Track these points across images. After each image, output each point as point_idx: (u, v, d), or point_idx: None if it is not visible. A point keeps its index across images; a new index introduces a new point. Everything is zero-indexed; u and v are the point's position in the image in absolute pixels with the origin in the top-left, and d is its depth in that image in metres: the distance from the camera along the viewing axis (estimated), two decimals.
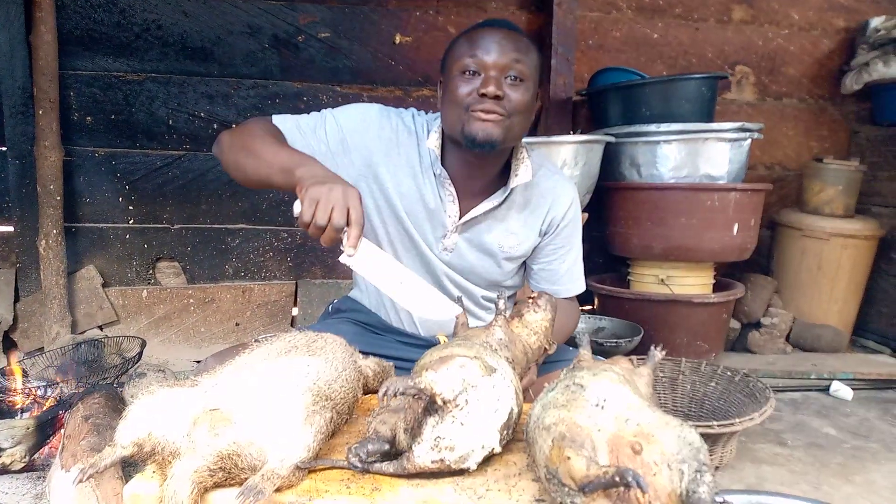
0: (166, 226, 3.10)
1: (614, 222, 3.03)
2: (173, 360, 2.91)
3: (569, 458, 0.80)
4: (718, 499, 0.78)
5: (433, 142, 1.54)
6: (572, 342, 1.78)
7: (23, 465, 1.83)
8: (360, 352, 1.30)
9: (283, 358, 1.10)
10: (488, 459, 1.00)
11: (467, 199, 1.59)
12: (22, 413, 2.01)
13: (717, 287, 3.06)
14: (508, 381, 1.01)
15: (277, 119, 1.57)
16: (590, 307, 3.21)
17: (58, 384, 2.17)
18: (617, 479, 0.74)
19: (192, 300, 3.09)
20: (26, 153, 2.81)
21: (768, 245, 3.58)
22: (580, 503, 0.80)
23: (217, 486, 0.93)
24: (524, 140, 1.61)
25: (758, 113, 3.65)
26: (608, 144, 2.89)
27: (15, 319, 2.86)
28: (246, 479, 0.91)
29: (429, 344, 1.36)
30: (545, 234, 1.69)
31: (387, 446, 0.98)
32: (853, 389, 2.80)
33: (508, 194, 1.59)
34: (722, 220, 2.83)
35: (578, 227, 1.75)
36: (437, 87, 1.59)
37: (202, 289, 3.11)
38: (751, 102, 3.67)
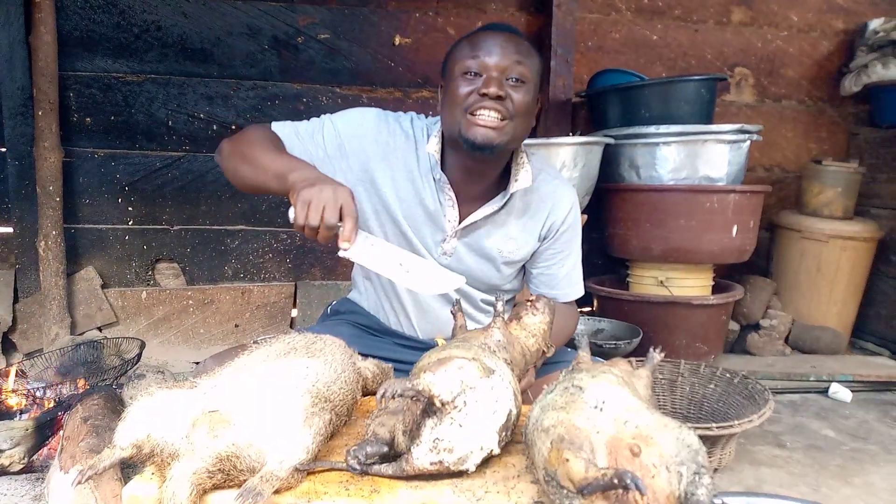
0: (166, 227, 3.10)
1: (613, 224, 3.03)
2: (172, 361, 2.91)
3: (567, 460, 0.80)
4: (717, 501, 0.78)
5: (433, 146, 1.54)
6: (571, 344, 1.79)
7: (21, 466, 1.82)
8: (358, 353, 1.30)
9: (282, 360, 1.10)
10: (487, 461, 1.00)
11: (467, 203, 1.59)
12: (21, 414, 2.01)
13: (716, 289, 3.06)
14: (507, 383, 1.01)
15: (276, 125, 1.58)
16: (589, 309, 3.21)
17: (57, 385, 2.17)
18: (615, 481, 0.74)
19: (191, 301, 3.09)
20: (26, 154, 2.81)
21: (767, 247, 3.58)
22: None
23: (216, 487, 0.93)
24: (525, 143, 1.61)
25: (757, 115, 3.65)
26: (607, 146, 2.90)
27: (14, 320, 2.86)
28: (245, 480, 0.91)
29: (427, 346, 1.36)
30: (544, 238, 1.69)
31: (385, 448, 0.98)
32: (852, 391, 2.80)
33: (508, 199, 1.59)
34: (721, 221, 2.83)
35: (578, 231, 1.74)
36: (436, 88, 1.59)
37: (201, 290, 3.11)
38: (750, 104, 3.67)
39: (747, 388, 2.20)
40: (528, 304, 1.30)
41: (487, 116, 1.42)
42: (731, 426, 1.91)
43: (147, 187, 3.05)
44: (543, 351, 1.30)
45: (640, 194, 2.93)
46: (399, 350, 1.70)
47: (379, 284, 1.72)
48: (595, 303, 3.19)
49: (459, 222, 1.60)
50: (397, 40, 3.22)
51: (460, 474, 0.98)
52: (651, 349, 1.21)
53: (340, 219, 1.23)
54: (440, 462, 0.95)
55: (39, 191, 2.77)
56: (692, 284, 2.97)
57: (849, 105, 3.75)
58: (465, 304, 1.62)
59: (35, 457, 1.88)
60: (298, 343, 1.17)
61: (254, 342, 1.23)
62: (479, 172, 1.56)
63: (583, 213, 2.73)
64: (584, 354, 1.16)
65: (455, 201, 1.58)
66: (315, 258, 3.24)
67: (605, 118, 3.14)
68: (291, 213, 1.26)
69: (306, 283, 3.23)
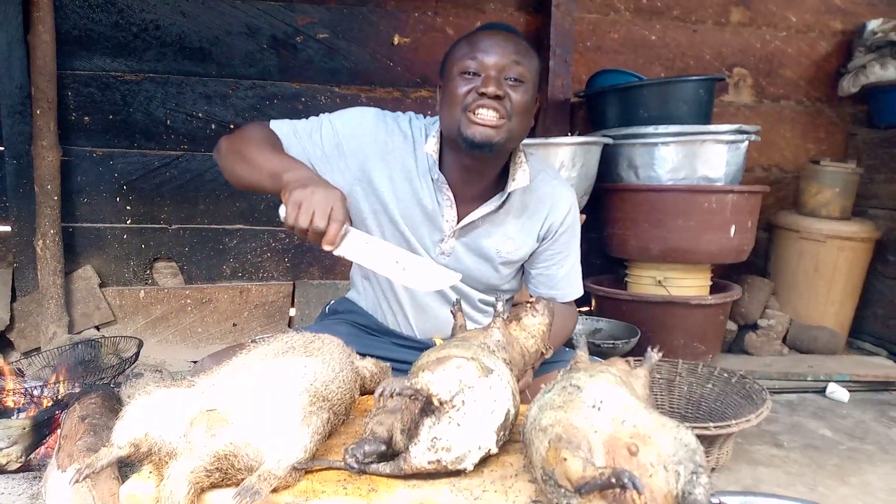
0: (164, 226, 3.09)
1: (612, 224, 3.04)
2: (170, 360, 2.90)
3: (565, 459, 0.80)
4: (714, 500, 0.78)
5: (431, 146, 1.54)
6: (569, 343, 1.79)
7: (19, 465, 1.82)
8: (356, 353, 1.30)
9: (281, 359, 1.10)
10: (485, 460, 1.00)
11: (465, 203, 1.59)
12: (18, 413, 2.01)
13: (714, 289, 3.07)
14: (505, 383, 1.01)
15: (275, 124, 1.58)
16: (587, 308, 3.22)
17: (54, 384, 2.17)
18: (613, 480, 0.74)
19: (189, 300, 3.08)
20: (24, 153, 2.81)
21: (765, 247, 3.59)
22: None
23: (214, 486, 0.93)
24: (523, 143, 1.61)
25: (755, 115, 3.66)
26: (606, 146, 2.90)
27: (12, 319, 2.86)
28: (243, 479, 0.91)
29: (424, 346, 1.36)
30: (543, 239, 1.69)
31: (383, 447, 0.98)
32: (849, 391, 2.81)
33: (506, 199, 1.59)
34: (719, 221, 2.84)
35: (577, 232, 1.74)
36: (435, 88, 1.58)
37: (199, 289, 3.11)
38: (748, 104, 3.68)
39: (745, 388, 2.20)
40: (528, 305, 1.31)
41: (486, 115, 1.42)
42: (729, 426, 1.91)
43: (145, 186, 3.05)
44: (542, 352, 1.30)
45: (638, 194, 2.93)
46: (397, 350, 1.70)
47: (377, 284, 1.72)
48: (593, 302, 3.19)
49: (457, 222, 1.60)
50: (396, 40, 3.22)
51: (458, 473, 0.98)
52: (649, 349, 1.22)
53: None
54: (438, 461, 0.95)
55: (37, 189, 2.76)
56: (690, 284, 2.97)
57: (847, 105, 3.76)
58: (463, 304, 1.62)
59: (32, 455, 1.88)
60: (296, 342, 1.17)
61: (252, 341, 1.23)
62: (478, 172, 1.56)
63: (581, 212, 2.73)
64: (581, 354, 1.16)
65: (453, 201, 1.58)
66: (313, 257, 3.24)
67: (604, 118, 3.15)
68: (282, 212, 1.27)
69: (304, 283, 3.23)
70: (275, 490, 0.91)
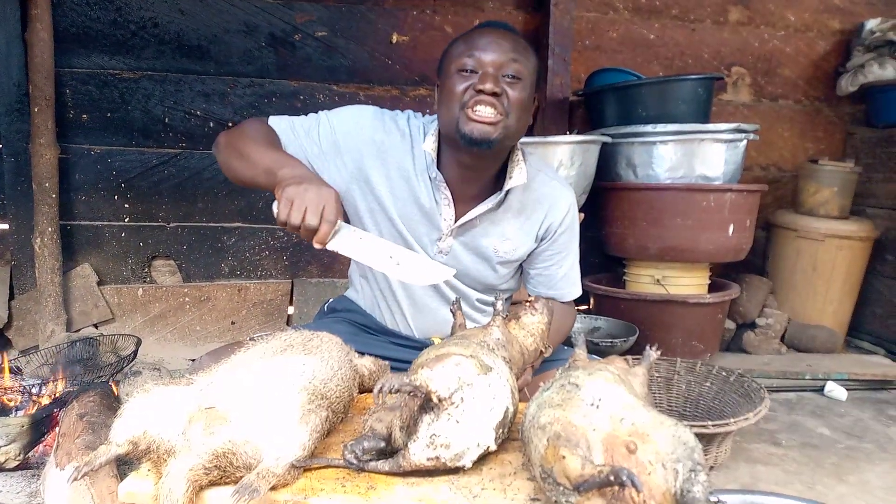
0: (162, 224, 3.09)
1: (610, 222, 3.04)
2: (169, 358, 2.90)
3: (564, 457, 0.80)
4: (713, 498, 0.78)
5: (429, 145, 1.54)
6: (568, 342, 1.79)
7: (17, 463, 1.82)
8: (355, 351, 1.30)
9: (279, 356, 1.10)
10: (484, 458, 1.00)
11: (463, 202, 1.59)
12: (16, 411, 2.00)
13: (713, 287, 3.07)
14: (504, 380, 1.01)
15: (274, 120, 1.58)
16: (585, 307, 3.22)
17: (52, 382, 2.17)
18: (612, 478, 0.74)
19: (187, 299, 3.08)
20: (22, 150, 2.80)
21: (763, 246, 3.59)
22: (575, 502, 0.80)
23: (212, 484, 0.93)
24: (522, 142, 1.60)
25: (754, 114, 3.66)
26: (604, 145, 2.90)
27: (10, 317, 2.86)
28: (241, 477, 0.91)
29: (423, 346, 1.36)
30: (542, 239, 1.68)
31: (383, 444, 0.98)
32: (847, 390, 2.81)
33: (504, 197, 1.59)
34: (718, 220, 2.84)
35: (576, 233, 1.74)
36: (433, 87, 1.58)
37: (198, 287, 3.10)
38: (747, 103, 3.68)
39: (743, 387, 2.20)
40: (528, 304, 1.31)
41: (484, 112, 1.42)
42: (727, 424, 1.91)
43: (143, 184, 3.04)
44: (541, 351, 1.31)
45: (636, 193, 2.93)
46: (395, 349, 1.70)
47: (375, 283, 1.72)
48: (592, 301, 3.20)
49: (455, 221, 1.59)
50: (395, 38, 3.21)
51: (457, 471, 0.98)
52: (647, 347, 1.22)
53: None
54: (437, 458, 0.95)
55: (35, 187, 2.76)
56: (688, 283, 2.97)
57: (845, 105, 3.76)
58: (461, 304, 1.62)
59: (31, 454, 1.87)
60: (295, 340, 1.17)
61: (250, 339, 1.23)
62: (476, 170, 1.56)
63: (580, 211, 2.73)
64: (580, 352, 1.17)
65: (451, 200, 1.58)
66: (312, 255, 3.23)
67: (603, 117, 3.14)
68: (275, 208, 1.27)
69: (303, 281, 3.23)
70: (273, 488, 0.92)
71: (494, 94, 1.41)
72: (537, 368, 1.44)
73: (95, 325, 2.97)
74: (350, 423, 1.18)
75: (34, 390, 2.11)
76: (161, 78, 3.01)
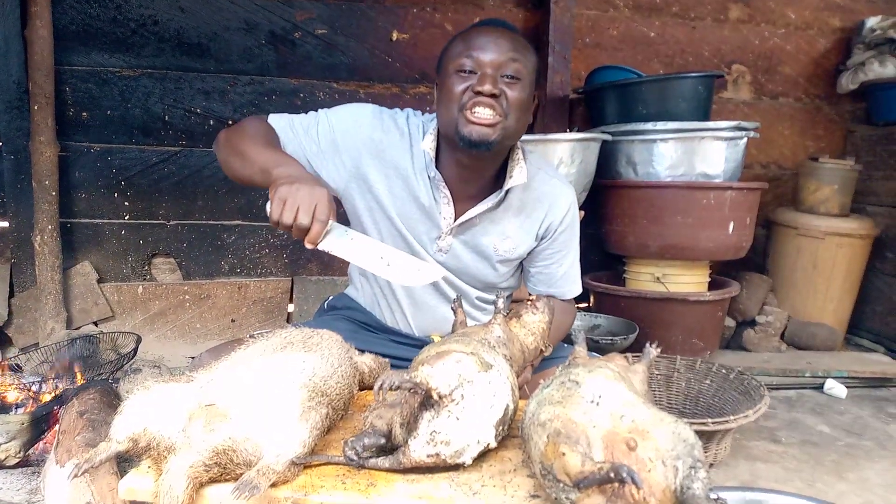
0: (162, 222, 3.09)
1: (610, 220, 3.04)
2: (169, 356, 2.90)
3: (564, 454, 0.80)
4: (712, 495, 0.78)
5: (428, 144, 1.53)
6: (568, 339, 1.79)
7: (17, 460, 1.82)
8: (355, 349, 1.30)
9: (279, 354, 1.10)
10: (484, 455, 1.00)
11: (462, 201, 1.59)
12: (17, 409, 2.01)
13: (713, 285, 3.07)
14: (504, 378, 1.01)
15: (273, 118, 1.57)
16: (585, 305, 3.22)
17: (53, 380, 2.17)
18: (612, 474, 0.74)
19: (187, 296, 3.08)
20: (21, 148, 2.80)
21: (764, 244, 3.59)
22: (575, 499, 0.80)
23: (212, 481, 0.93)
24: (522, 140, 1.60)
25: (754, 112, 3.66)
26: (605, 142, 2.90)
27: (10, 315, 2.86)
28: (241, 474, 0.91)
29: (422, 343, 1.36)
30: (542, 238, 1.68)
31: (383, 440, 0.98)
32: (847, 387, 2.81)
33: (504, 196, 1.59)
34: (718, 218, 2.84)
35: (576, 231, 1.74)
36: (433, 85, 1.58)
37: (198, 285, 3.10)
38: (747, 101, 3.68)
39: (743, 384, 2.20)
40: (529, 303, 1.31)
41: (482, 113, 1.41)
42: (727, 421, 1.91)
43: (143, 182, 3.04)
44: (542, 350, 1.31)
45: (637, 191, 2.93)
46: (395, 346, 1.70)
47: (375, 281, 1.72)
48: (592, 299, 3.20)
49: (455, 219, 1.59)
50: (395, 36, 3.21)
51: (457, 468, 0.98)
52: (647, 345, 1.22)
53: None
54: (437, 455, 0.95)
55: (35, 185, 2.76)
56: (688, 281, 2.97)
57: (845, 103, 3.75)
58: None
59: (31, 451, 1.87)
60: (295, 337, 1.17)
61: (250, 336, 1.23)
62: (475, 170, 1.56)
63: (580, 209, 2.73)
64: (580, 350, 1.17)
65: (450, 198, 1.57)
66: (312, 253, 3.23)
67: (603, 115, 3.14)
68: (269, 208, 1.27)
69: (303, 279, 3.23)
70: (273, 485, 0.92)
71: (493, 96, 1.40)
72: (537, 366, 1.44)
73: (95, 323, 2.97)
74: (350, 420, 1.18)
75: (34, 388, 2.11)
76: (161, 76, 3.01)
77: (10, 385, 2.10)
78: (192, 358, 2.63)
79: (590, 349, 1.23)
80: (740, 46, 3.61)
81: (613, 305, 2.99)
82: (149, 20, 2.96)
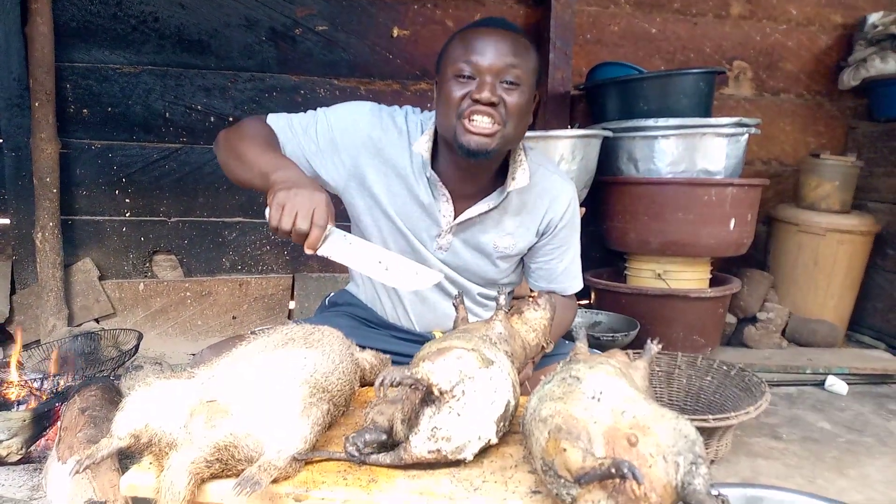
0: (163, 219, 3.09)
1: (611, 217, 3.03)
2: (170, 352, 2.91)
3: (565, 449, 0.80)
4: (713, 491, 0.78)
5: (422, 146, 1.52)
6: (569, 336, 1.79)
7: (19, 456, 1.83)
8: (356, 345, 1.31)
9: (280, 350, 1.10)
10: (485, 451, 1.01)
11: (462, 199, 1.58)
12: (18, 405, 2.01)
13: (714, 282, 3.07)
14: (506, 374, 1.01)
15: (272, 118, 1.57)
16: (586, 301, 3.22)
17: (54, 376, 2.17)
18: (613, 470, 0.74)
19: (188, 293, 3.08)
20: (22, 145, 2.80)
21: (765, 240, 3.59)
22: (576, 495, 0.80)
23: (214, 477, 0.93)
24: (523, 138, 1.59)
25: (755, 108, 3.65)
26: (606, 139, 2.89)
27: (11, 312, 2.86)
28: (243, 470, 0.92)
29: (424, 339, 1.36)
30: (543, 234, 1.68)
31: (384, 436, 0.98)
32: (848, 384, 2.81)
33: (504, 197, 1.58)
34: (719, 215, 2.83)
35: (577, 227, 1.73)
36: (434, 81, 1.57)
37: (199, 282, 3.11)
38: (748, 98, 3.67)
39: (744, 381, 2.20)
40: (530, 299, 1.31)
41: (481, 122, 1.40)
42: (728, 418, 1.91)
43: (144, 179, 3.04)
44: (543, 346, 1.31)
45: (638, 187, 2.93)
46: (396, 343, 1.70)
47: None
48: (593, 295, 3.20)
49: (454, 218, 1.59)
50: (395, 32, 3.20)
51: (458, 463, 0.98)
52: (648, 341, 1.22)
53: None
54: (438, 451, 0.95)
55: (36, 182, 2.76)
56: (690, 277, 2.97)
57: (847, 99, 3.75)
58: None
59: (33, 447, 1.88)
60: (296, 334, 1.17)
61: (251, 333, 1.23)
62: (474, 173, 1.55)
63: (581, 205, 2.73)
64: (581, 346, 1.17)
65: (449, 197, 1.57)
66: None
67: (604, 111, 3.14)
68: (267, 213, 1.27)
69: (304, 276, 3.23)
70: (275, 481, 0.92)
71: (492, 104, 1.39)
72: (538, 363, 1.45)
73: (97, 320, 2.97)
74: (351, 416, 1.18)
75: (36, 385, 2.11)
76: (161, 72, 3.00)
77: (11, 381, 2.10)
78: (194, 354, 2.63)
79: (591, 346, 1.23)
80: (741, 43, 3.61)
81: (614, 302, 2.99)
82: (149, 17, 2.96)
